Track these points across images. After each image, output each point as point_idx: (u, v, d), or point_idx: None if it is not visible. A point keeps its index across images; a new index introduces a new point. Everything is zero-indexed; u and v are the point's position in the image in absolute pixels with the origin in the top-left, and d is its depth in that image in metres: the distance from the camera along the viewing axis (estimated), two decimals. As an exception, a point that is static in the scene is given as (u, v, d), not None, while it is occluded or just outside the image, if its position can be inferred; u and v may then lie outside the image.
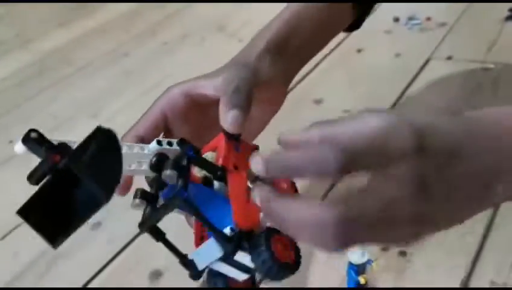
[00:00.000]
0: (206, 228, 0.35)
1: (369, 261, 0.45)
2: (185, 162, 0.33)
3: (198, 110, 0.43)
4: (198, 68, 1.02)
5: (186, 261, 0.35)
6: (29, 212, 0.31)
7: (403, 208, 0.28)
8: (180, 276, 0.45)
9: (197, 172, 0.36)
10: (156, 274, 0.52)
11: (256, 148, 0.40)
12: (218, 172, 0.35)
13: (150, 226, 0.34)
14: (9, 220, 0.64)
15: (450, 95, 0.69)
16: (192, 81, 0.43)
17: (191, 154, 0.34)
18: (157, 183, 0.34)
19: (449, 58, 0.79)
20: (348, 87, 0.77)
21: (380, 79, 0.77)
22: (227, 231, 0.34)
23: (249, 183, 0.36)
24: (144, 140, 0.41)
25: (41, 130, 0.90)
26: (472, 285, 0.46)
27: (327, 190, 0.55)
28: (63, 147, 0.33)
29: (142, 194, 0.34)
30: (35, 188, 0.74)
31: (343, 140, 0.29)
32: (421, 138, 0.28)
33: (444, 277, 0.47)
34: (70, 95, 0.93)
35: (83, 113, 0.86)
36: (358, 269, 0.44)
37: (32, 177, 0.31)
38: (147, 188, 0.34)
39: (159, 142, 0.34)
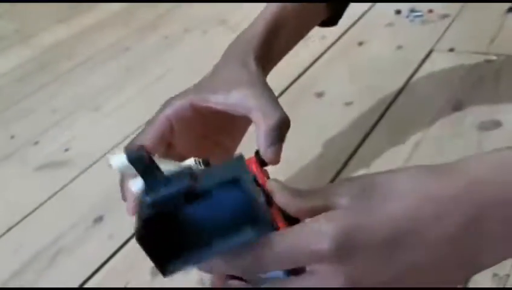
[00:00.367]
0: None
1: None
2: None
3: (203, 121, 0.43)
4: (199, 62, 1.02)
5: None
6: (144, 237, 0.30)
7: None
8: (181, 272, 0.45)
9: None
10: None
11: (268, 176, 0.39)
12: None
13: None
14: (10, 216, 0.64)
15: (452, 87, 0.69)
16: (198, 94, 0.43)
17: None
18: None
19: (451, 50, 0.78)
20: (350, 80, 0.77)
21: (382, 71, 0.77)
22: None
23: None
24: (150, 151, 0.40)
25: (42, 125, 0.90)
26: (474, 277, 0.45)
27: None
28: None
29: None
30: (37, 183, 0.73)
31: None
32: (344, 235, 0.28)
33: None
34: (71, 89, 0.93)
35: (83, 108, 0.86)
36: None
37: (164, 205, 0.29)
38: None
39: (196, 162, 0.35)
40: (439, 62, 0.76)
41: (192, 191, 0.29)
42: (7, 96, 0.95)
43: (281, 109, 0.40)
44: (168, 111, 0.43)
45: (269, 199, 0.33)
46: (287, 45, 0.50)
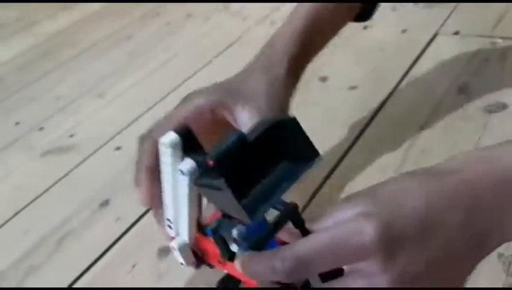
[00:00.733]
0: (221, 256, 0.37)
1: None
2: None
3: (219, 126, 0.43)
4: (202, 47, 1.01)
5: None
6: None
7: None
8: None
9: None
10: (164, 251, 0.52)
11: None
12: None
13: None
14: (16, 201, 0.64)
15: (457, 70, 0.69)
16: (220, 99, 0.43)
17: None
18: None
19: (456, 33, 0.78)
20: (354, 64, 0.76)
21: (386, 56, 0.77)
22: None
23: None
24: None
25: (46, 112, 0.90)
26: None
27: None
28: None
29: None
30: (42, 169, 0.73)
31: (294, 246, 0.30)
32: (385, 230, 0.29)
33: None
34: (74, 76, 0.93)
35: (87, 94, 0.86)
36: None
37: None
38: None
39: None
40: (444, 46, 0.75)
41: (245, 139, 0.31)
42: (10, 84, 0.95)
43: None
44: (188, 109, 0.43)
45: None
46: (321, 45, 0.51)
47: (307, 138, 0.32)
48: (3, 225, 0.61)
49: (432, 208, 0.30)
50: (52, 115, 0.82)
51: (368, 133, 0.62)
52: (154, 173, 0.39)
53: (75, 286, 0.51)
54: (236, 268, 0.35)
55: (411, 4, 0.87)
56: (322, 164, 0.59)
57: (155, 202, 0.41)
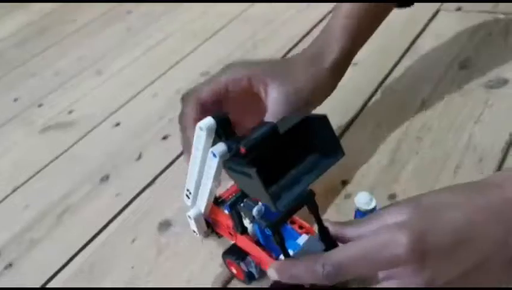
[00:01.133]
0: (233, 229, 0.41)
1: (377, 209, 0.44)
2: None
3: (250, 97, 0.45)
4: (202, 23, 1.00)
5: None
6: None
7: None
8: (189, 227, 0.45)
9: None
10: (165, 224, 0.52)
11: None
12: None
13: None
14: (16, 176, 0.64)
15: (459, 46, 0.68)
16: (262, 72, 0.45)
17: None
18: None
19: (458, 9, 0.77)
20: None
21: (388, 32, 0.75)
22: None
23: None
24: (203, 106, 0.44)
25: (45, 88, 0.89)
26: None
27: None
28: None
29: None
30: (42, 145, 0.73)
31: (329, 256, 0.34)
32: (418, 240, 0.31)
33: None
34: (73, 53, 0.92)
35: (87, 70, 0.85)
36: (366, 215, 0.44)
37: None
38: None
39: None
40: (446, 21, 0.75)
41: (277, 130, 0.34)
42: (8, 61, 0.94)
43: None
44: (228, 75, 0.45)
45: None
46: (366, 39, 0.53)
47: (334, 136, 0.35)
48: (3, 200, 0.61)
49: (473, 222, 0.32)
50: (51, 92, 0.81)
51: (369, 109, 0.62)
52: (196, 122, 0.41)
53: (75, 259, 0.51)
54: (268, 273, 0.37)
55: (413, -20, 0.86)
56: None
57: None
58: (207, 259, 0.48)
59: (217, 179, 0.38)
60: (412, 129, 0.57)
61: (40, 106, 0.78)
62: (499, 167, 0.50)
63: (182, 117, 0.46)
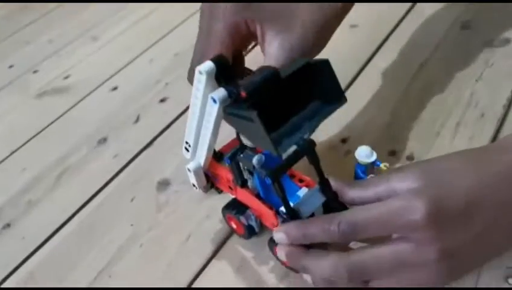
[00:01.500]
0: (233, 182, 0.41)
1: (377, 163, 0.44)
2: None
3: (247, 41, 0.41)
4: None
5: (293, 211, 0.37)
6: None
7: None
8: (188, 185, 0.45)
9: None
10: (164, 183, 0.52)
11: None
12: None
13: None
14: (13, 140, 0.64)
15: (460, 7, 0.67)
16: (256, 14, 0.38)
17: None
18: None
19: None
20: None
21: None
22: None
23: None
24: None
25: (40, 55, 0.87)
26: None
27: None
28: None
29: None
30: (38, 109, 0.72)
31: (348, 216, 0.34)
32: (434, 207, 0.32)
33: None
34: (67, 20, 0.90)
35: (82, 37, 0.84)
36: (366, 168, 0.44)
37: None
38: None
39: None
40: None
41: (278, 75, 0.33)
42: (3, 27, 0.92)
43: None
44: (226, 23, 0.38)
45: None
46: None
47: (337, 81, 0.34)
48: None
49: (483, 186, 0.33)
50: (45, 58, 0.80)
51: (369, 70, 0.61)
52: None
53: (74, 218, 0.51)
54: (275, 237, 0.37)
55: None
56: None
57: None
58: (207, 215, 0.47)
59: (217, 127, 0.37)
60: (413, 88, 0.57)
61: (35, 72, 0.77)
62: (501, 123, 0.49)
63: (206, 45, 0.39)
